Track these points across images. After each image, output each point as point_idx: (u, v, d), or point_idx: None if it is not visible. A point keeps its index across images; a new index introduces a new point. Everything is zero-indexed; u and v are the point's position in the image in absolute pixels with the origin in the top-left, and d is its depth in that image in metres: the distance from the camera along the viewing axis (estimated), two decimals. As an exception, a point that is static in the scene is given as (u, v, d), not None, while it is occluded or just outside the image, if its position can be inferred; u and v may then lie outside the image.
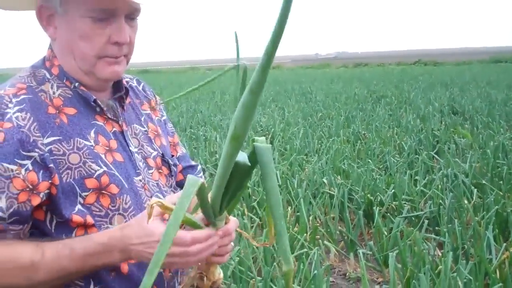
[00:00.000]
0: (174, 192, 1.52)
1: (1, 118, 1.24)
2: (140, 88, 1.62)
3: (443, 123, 9.75)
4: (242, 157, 1.07)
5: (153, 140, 1.53)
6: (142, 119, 1.54)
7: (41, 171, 1.25)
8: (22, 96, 1.29)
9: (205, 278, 1.26)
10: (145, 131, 1.52)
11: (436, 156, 6.92)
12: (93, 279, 1.33)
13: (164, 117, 1.66)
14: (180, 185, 1.62)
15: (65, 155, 1.28)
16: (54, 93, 1.34)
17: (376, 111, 11.69)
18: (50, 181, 1.26)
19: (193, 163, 1.74)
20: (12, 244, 1.24)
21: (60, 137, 1.29)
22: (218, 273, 1.30)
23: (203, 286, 1.26)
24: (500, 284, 3.13)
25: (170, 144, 1.64)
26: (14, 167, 1.22)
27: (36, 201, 1.25)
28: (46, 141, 1.27)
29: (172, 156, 1.62)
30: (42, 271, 1.22)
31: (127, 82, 1.53)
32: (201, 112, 13.12)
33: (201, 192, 1.08)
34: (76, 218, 1.28)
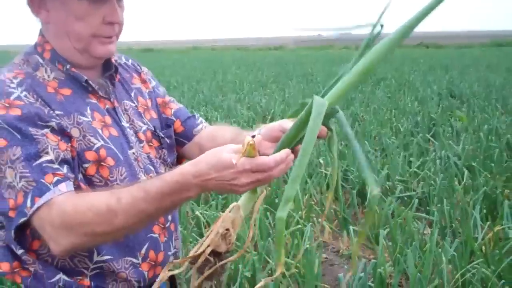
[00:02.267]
0: (164, 164, 1.61)
1: (6, 97, 1.29)
2: (129, 63, 1.70)
3: (440, 106, 9.82)
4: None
5: (143, 115, 1.60)
6: (132, 94, 1.61)
7: (60, 136, 1.32)
8: (20, 78, 1.35)
9: (223, 242, 1.23)
10: (135, 106, 1.59)
11: (431, 138, 7.04)
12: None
13: (154, 84, 1.72)
14: (183, 136, 1.69)
15: (67, 129, 1.35)
16: (48, 76, 1.40)
17: (375, 93, 11.78)
18: (69, 144, 1.34)
19: (190, 114, 1.77)
20: (84, 195, 1.29)
21: (62, 112, 1.36)
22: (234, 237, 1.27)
23: (219, 250, 1.24)
24: (482, 259, 3.28)
25: (162, 105, 1.70)
26: (41, 130, 1.29)
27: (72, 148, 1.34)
28: (54, 114, 1.34)
29: (168, 126, 1.67)
30: (120, 215, 1.23)
31: (116, 60, 1.59)
32: (203, 92, 13.19)
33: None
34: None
